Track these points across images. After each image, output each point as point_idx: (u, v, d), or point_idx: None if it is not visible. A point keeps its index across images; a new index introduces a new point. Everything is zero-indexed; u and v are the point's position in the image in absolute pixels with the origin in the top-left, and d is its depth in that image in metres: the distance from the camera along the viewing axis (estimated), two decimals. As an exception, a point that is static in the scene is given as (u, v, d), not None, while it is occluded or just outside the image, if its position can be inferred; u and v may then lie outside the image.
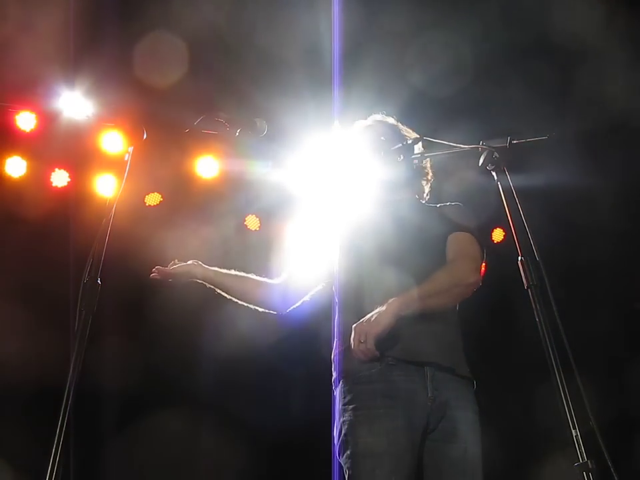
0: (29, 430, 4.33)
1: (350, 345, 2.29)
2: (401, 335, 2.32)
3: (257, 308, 2.73)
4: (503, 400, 5.60)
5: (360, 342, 2.23)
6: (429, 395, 2.29)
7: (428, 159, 2.73)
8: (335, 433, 2.36)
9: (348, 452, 2.25)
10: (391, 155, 2.60)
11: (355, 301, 2.43)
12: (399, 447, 2.20)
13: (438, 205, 2.71)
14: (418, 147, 2.56)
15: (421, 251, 2.49)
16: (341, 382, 2.37)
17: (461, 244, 2.52)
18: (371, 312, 2.33)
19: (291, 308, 2.70)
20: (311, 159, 4.33)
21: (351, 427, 2.26)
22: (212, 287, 2.67)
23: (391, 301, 2.30)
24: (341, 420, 2.31)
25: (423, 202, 2.76)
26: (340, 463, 2.34)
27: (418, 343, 2.33)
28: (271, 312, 2.72)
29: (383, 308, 2.28)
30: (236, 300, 2.70)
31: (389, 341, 2.29)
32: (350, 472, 2.24)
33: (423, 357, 2.33)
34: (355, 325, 2.28)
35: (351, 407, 2.29)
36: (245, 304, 2.71)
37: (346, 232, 2.59)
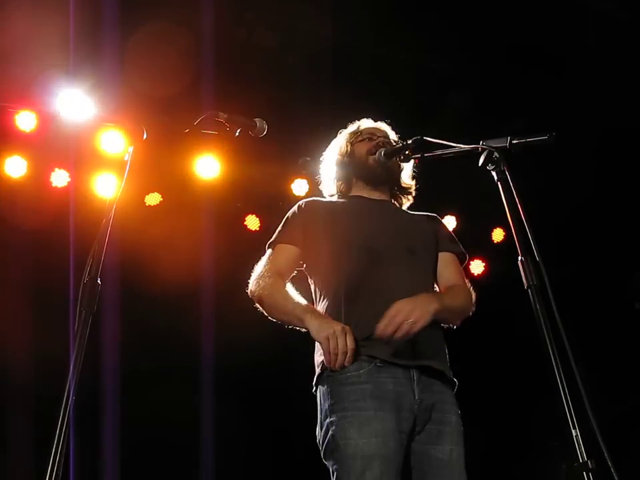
0: (29, 430, 4.34)
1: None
2: (379, 339, 2.31)
3: None
4: (501, 400, 5.61)
5: (405, 321, 2.19)
6: (416, 397, 2.29)
7: (413, 182, 2.81)
8: (319, 432, 2.33)
9: (337, 454, 2.22)
10: (389, 155, 2.63)
11: (345, 301, 2.41)
12: (389, 449, 2.19)
13: (418, 213, 2.77)
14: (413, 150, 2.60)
15: (409, 253, 2.53)
16: (325, 381, 2.35)
17: (457, 268, 2.66)
18: (364, 314, 2.35)
19: None
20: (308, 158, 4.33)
21: (339, 428, 2.23)
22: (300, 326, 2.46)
23: (432, 298, 2.33)
24: (328, 420, 2.28)
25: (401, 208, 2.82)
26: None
27: (406, 345, 2.31)
28: None
29: (426, 301, 2.28)
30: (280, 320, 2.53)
31: (378, 343, 2.29)
32: (337, 473, 2.22)
33: (410, 359, 2.32)
34: (400, 301, 2.24)
35: (339, 407, 2.26)
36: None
37: (333, 225, 2.58)
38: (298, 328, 2.42)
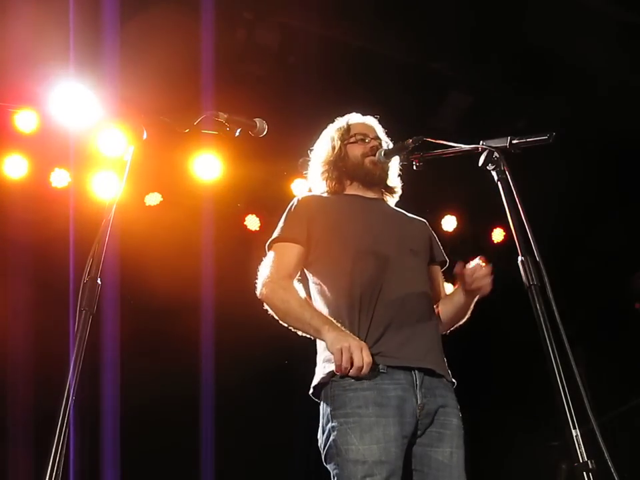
0: (29, 430, 4.34)
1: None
2: (390, 341, 2.34)
3: None
4: (501, 400, 5.61)
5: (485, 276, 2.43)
6: (418, 402, 2.30)
7: (399, 181, 2.82)
8: (321, 437, 2.34)
9: (338, 458, 2.23)
10: (389, 154, 2.63)
11: (357, 306, 2.40)
12: (390, 455, 2.19)
13: (408, 214, 2.79)
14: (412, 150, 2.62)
15: (413, 255, 2.55)
16: (328, 386, 2.35)
17: (443, 280, 2.77)
18: (376, 317, 2.36)
19: None
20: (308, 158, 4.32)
21: (341, 433, 2.24)
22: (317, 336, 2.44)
23: None
24: (330, 425, 2.29)
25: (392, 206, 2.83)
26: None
27: (407, 349, 2.34)
28: None
29: None
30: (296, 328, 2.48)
31: (381, 347, 2.32)
32: (338, 478, 2.23)
33: (412, 362, 2.33)
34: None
35: (341, 413, 2.27)
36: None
37: (339, 225, 2.57)
38: (309, 336, 2.40)
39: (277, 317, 2.46)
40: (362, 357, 2.21)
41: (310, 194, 2.74)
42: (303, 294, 2.48)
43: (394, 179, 2.81)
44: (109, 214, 2.08)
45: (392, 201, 2.83)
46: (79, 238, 4.43)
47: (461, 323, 2.63)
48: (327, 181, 2.76)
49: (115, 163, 4.66)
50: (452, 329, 2.66)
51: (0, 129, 4.61)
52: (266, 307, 2.48)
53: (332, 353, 2.26)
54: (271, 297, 2.44)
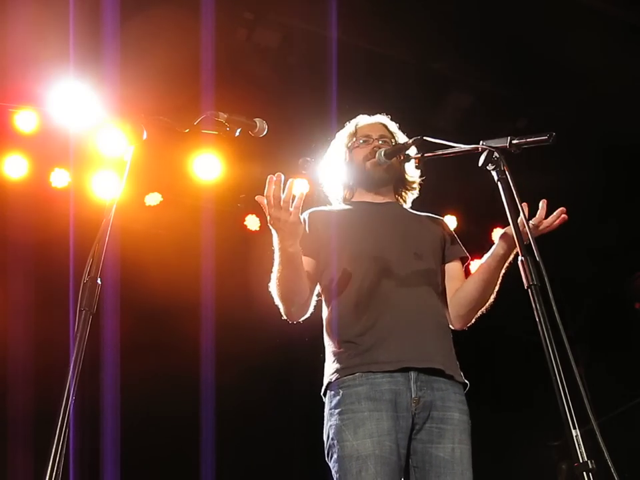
0: (29, 430, 4.34)
1: (341, 350, 2.33)
2: (385, 342, 2.34)
3: (289, 306, 2.46)
4: (501, 400, 5.61)
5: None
6: (413, 396, 2.30)
7: (419, 174, 2.79)
8: (324, 436, 2.37)
9: (335, 455, 2.27)
10: (389, 155, 2.62)
11: (355, 311, 2.41)
12: (384, 449, 2.21)
13: (422, 214, 2.76)
14: (413, 150, 2.61)
15: (416, 258, 2.52)
16: (328, 388, 2.39)
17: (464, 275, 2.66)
18: (375, 322, 2.36)
19: (303, 318, 2.56)
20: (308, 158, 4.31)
21: (337, 431, 2.28)
22: (287, 256, 2.32)
23: None
24: (329, 424, 2.33)
25: (406, 207, 2.80)
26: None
27: (403, 349, 2.33)
28: (293, 318, 2.52)
29: None
30: (286, 285, 2.39)
31: (375, 352, 2.32)
32: (337, 475, 2.26)
33: (409, 363, 2.32)
34: None
35: (336, 410, 2.30)
36: (287, 295, 2.43)
37: (340, 235, 2.56)
38: (291, 270, 2.34)
39: (283, 308, 2.44)
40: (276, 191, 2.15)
41: (312, 209, 2.69)
42: None
43: (410, 176, 2.77)
44: (109, 214, 2.08)
45: (409, 199, 2.80)
46: (79, 238, 4.42)
47: (490, 299, 2.55)
48: (337, 188, 2.78)
49: (115, 163, 4.66)
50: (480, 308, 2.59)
51: (0, 128, 4.61)
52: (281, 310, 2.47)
53: (274, 232, 2.25)
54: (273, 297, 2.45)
